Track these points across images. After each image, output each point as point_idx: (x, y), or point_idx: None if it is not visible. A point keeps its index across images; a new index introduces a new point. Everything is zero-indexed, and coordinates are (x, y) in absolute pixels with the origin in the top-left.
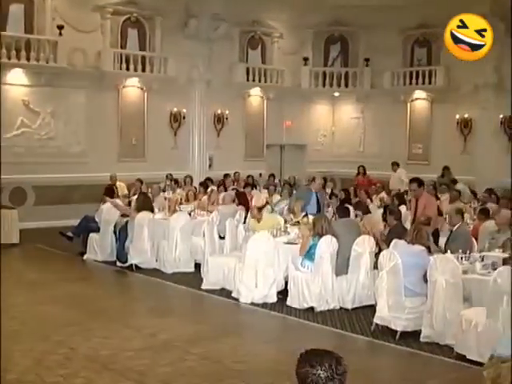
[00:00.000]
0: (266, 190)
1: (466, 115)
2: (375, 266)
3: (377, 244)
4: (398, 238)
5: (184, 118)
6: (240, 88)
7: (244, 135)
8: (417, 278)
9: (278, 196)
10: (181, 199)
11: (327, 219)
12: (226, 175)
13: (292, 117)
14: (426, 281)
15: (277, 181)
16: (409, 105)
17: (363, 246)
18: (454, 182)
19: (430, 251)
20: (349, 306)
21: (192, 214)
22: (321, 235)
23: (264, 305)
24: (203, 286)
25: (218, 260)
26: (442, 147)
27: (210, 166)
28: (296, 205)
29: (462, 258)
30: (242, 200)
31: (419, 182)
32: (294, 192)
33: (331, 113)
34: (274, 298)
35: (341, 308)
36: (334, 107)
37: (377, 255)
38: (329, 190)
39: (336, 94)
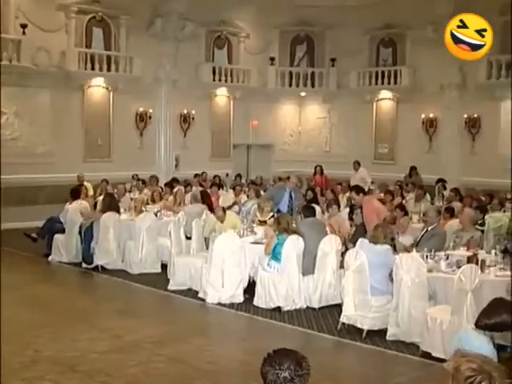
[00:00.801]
0: (233, 190)
1: (431, 115)
2: (341, 266)
3: (343, 243)
4: (364, 237)
5: (150, 117)
6: (206, 88)
7: (210, 135)
8: (382, 276)
9: (244, 196)
10: (147, 199)
11: (291, 218)
12: (197, 175)
13: (258, 117)
14: (391, 279)
15: (243, 181)
16: (375, 105)
17: (329, 245)
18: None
19: (395, 250)
20: (315, 306)
21: (158, 214)
22: (287, 232)
23: (231, 305)
24: (170, 287)
25: (185, 260)
26: (407, 147)
27: (176, 166)
28: (266, 204)
29: (427, 256)
30: (206, 200)
31: (357, 189)
32: (268, 189)
33: (298, 113)
34: (240, 298)
35: (307, 307)
36: (301, 107)
37: (343, 254)
38: None
39: (302, 93)
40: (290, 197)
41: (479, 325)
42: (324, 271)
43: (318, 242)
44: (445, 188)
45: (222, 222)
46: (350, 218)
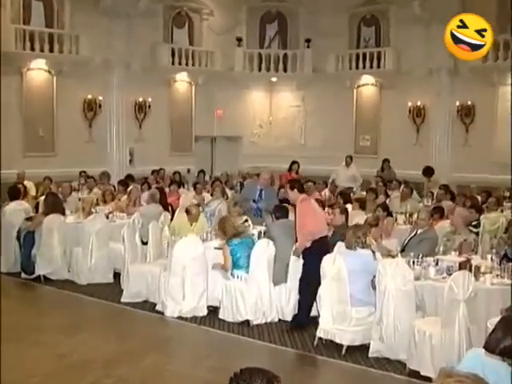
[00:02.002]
0: (195, 189)
1: (418, 103)
2: None
3: None
4: (343, 241)
5: (100, 106)
6: (164, 72)
7: (169, 126)
8: (364, 285)
9: (208, 195)
10: (97, 200)
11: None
12: (154, 172)
13: (224, 105)
14: (374, 288)
15: (207, 178)
16: (355, 91)
17: None
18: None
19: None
20: (289, 318)
21: (110, 216)
22: (237, 236)
23: (193, 319)
24: (123, 299)
25: (141, 268)
26: (392, 138)
27: (130, 161)
28: (233, 210)
29: (414, 262)
30: (161, 199)
31: (291, 184)
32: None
33: (268, 101)
34: (204, 311)
35: (280, 320)
36: (272, 94)
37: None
38: None
39: (273, 79)
40: (260, 196)
41: (498, 351)
42: (298, 280)
43: (290, 247)
44: (429, 181)
45: (192, 223)
46: None
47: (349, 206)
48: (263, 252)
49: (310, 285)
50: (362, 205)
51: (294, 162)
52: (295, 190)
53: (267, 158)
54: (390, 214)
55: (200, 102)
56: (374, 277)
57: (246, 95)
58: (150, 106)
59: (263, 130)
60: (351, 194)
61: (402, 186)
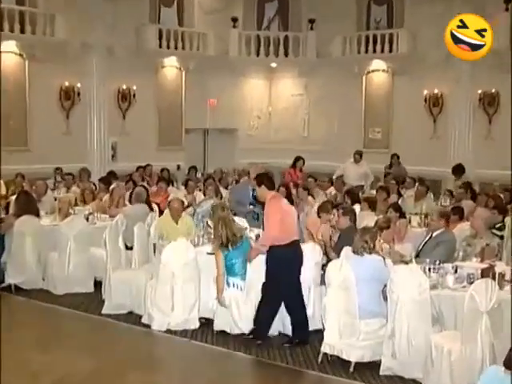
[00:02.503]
0: (186, 188)
1: (435, 91)
2: (322, 281)
3: (324, 253)
4: (351, 245)
5: (78, 94)
6: (151, 56)
7: (157, 117)
8: (374, 294)
9: (200, 194)
10: (75, 199)
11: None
12: (140, 168)
13: (218, 94)
14: (385, 298)
15: (199, 175)
16: (364, 78)
17: (306, 255)
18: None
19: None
20: (291, 332)
21: (90, 217)
22: (232, 243)
23: (183, 332)
24: (105, 311)
25: (124, 276)
26: (405, 131)
27: (113, 156)
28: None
29: (430, 269)
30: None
31: (259, 179)
32: (231, 189)
33: (267, 89)
34: (196, 324)
35: (280, 334)
36: (271, 82)
37: (324, 267)
38: None
39: (273, 64)
40: (254, 197)
41: None
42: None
43: None
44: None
45: (176, 221)
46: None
47: (357, 207)
48: (262, 257)
49: (271, 296)
50: (371, 205)
51: (298, 158)
52: (263, 186)
53: (266, 152)
54: (403, 216)
55: (191, 90)
56: (386, 286)
57: (243, 83)
58: (134, 95)
59: (261, 122)
60: (360, 193)
61: (417, 184)
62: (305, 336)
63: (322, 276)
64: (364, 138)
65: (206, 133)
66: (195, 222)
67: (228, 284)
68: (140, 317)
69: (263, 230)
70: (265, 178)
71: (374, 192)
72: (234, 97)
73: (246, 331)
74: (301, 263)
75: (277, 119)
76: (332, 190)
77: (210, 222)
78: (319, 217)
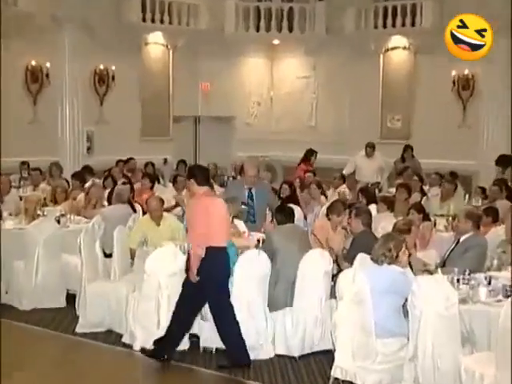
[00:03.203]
0: (174, 185)
1: (466, 71)
2: (332, 294)
3: (335, 261)
4: (367, 252)
5: (48, 76)
6: (133, 32)
7: (140, 103)
8: (393, 309)
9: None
10: (44, 199)
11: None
12: (120, 163)
13: (211, 76)
14: (406, 314)
15: None
16: (382, 57)
17: (315, 264)
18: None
19: (412, 270)
20: (295, 353)
21: (62, 220)
22: None
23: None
24: (79, 329)
25: (102, 288)
26: (430, 119)
27: (88, 149)
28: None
29: (458, 280)
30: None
31: (190, 172)
32: (227, 186)
33: (269, 70)
34: (185, 343)
35: (283, 356)
36: (273, 62)
37: (335, 278)
38: None
39: (275, 41)
40: (251, 197)
41: None
42: (307, 303)
43: (297, 260)
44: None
45: (157, 223)
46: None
47: (373, 208)
48: (250, 265)
49: (182, 309)
50: (389, 205)
51: (312, 152)
52: (192, 180)
53: (267, 144)
54: (427, 218)
55: (180, 71)
56: (406, 299)
57: (240, 63)
58: (113, 77)
59: (262, 109)
60: (376, 191)
61: (444, 181)
62: (240, 359)
63: (333, 288)
64: (381, 127)
65: (197, 121)
66: (185, 225)
67: None
68: (120, 336)
69: (264, 232)
70: (196, 171)
71: (392, 190)
72: (230, 79)
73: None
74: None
75: (279, 106)
76: (345, 188)
77: None
78: (328, 219)
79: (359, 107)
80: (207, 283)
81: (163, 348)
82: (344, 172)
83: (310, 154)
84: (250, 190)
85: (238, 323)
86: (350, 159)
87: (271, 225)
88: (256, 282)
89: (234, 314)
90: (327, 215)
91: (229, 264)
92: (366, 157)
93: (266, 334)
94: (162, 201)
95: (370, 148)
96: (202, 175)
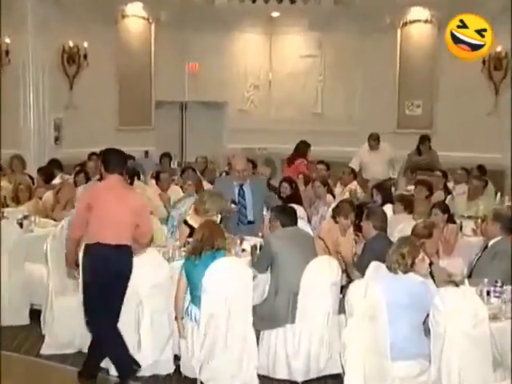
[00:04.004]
0: (157, 182)
1: (498, 48)
2: (341, 309)
3: (344, 270)
4: (381, 260)
5: (7, 53)
6: (108, 3)
7: (117, 86)
8: (412, 327)
9: (178, 190)
10: (5, 198)
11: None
12: (94, 156)
13: (200, 55)
14: (427, 333)
15: (175, 165)
16: (399, 32)
17: (321, 273)
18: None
19: (434, 282)
20: (298, 378)
21: (25, 223)
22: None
23: (154, 379)
24: (45, 350)
25: (72, 303)
26: (455, 105)
27: (56, 139)
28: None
29: (488, 292)
30: None
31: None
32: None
33: (267, 48)
34: (169, 367)
35: (284, 381)
36: (272, 38)
37: (344, 289)
38: None
39: (275, 14)
40: (242, 195)
41: None
42: (311, 319)
43: (300, 269)
44: None
45: None
46: (357, 228)
47: (389, 208)
48: (224, 270)
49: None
50: (408, 205)
51: (308, 144)
52: (102, 165)
53: (265, 134)
54: (452, 220)
55: (164, 49)
56: (428, 315)
57: (234, 40)
58: (86, 56)
59: (259, 93)
60: (392, 189)
61: (471, 177)
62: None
63: (342, 301)
64: (398, 114)
65: (183, 108)
66: (169, 228)
67: (188, 315)
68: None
69: (262, 237)
70: (106, 154)
71: (411, 188)
72: (222, 59)
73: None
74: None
75: (280, 90)
76: (356, 186)
77: (189, 219)
78: (335, 222)
79: (373, 91)
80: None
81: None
82: (351, 164)
83: (305, 146)
84: (241, 186)
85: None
86: (357, 153)
87: (270, 226)
88: (226, 293)
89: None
90: (334, 217)
91: (112, 265)
92: (371, 150)
93: (258, 354)
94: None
95: (374, 140)
96: (111, 160)
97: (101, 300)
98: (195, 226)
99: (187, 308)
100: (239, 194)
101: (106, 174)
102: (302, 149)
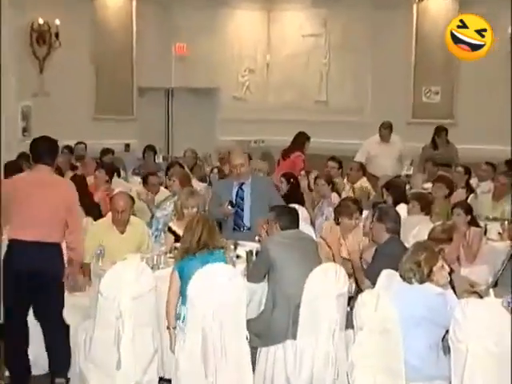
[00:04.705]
0: (142, 180)
1: None
2: (349, 323)
3: (352, 277)
4: (394, 267)
5: None
6: None
7: (93, 70)
8: (430, 344)
9: (162, 190)
10: None
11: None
12: (67, 149)
13: (189, 35)
14: (447, 350)
15: (160, 160)
16: (415, 8)
17: (325, 283)
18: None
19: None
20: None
21: None
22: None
23: None
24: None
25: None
26: (479, 91)
27: (24, 130)
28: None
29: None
30: (81, 193)
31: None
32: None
33: (265, 27)
34: None
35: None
36: (271, 16)
37: (352, 302)
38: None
39: None
40: (241, 196)
41: None
42: (315, 334)
43: (302, 278)
44: None
45: (122, 229)
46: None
47: (402, 208)
48: (212, 284)
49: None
50: (425, 205)
51: (307, 137)
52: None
53: (262, 125)
54: (475, 222)
55: (147, 28)
56: (447, 332)
57: (227, 18)
58: (57, 35)
59: (256, 78)
60: (406, 187)
61: (498, 174)
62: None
63: (350, 315)
64: (414, 101)
65: (169, 95)
66: (153, 232)
67: (178, 318)
68: (67, 380)
69: (259, 241)
70: (39, 143)
71: (427, 185)
72: (214, 39)
73: None
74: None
75: (279, 74)
76: (366, 183)
77: (173, 224)
78: (337, 224)
79: (385, 75)
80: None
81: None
82: (356, 158)
83: (303, 138)
84: (240, 186)
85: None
86: (363, 144)
87: (268, 228)
88: (224, 306)
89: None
90: (335, 219)
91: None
92: (381, 142)
93: (256, 373)
94: (132, 199)
95: (386, 129)
96: (39, 148)
97: (17, 301)
98: (180, 232)
99: (178, 313)
100: (237, 195)
101: (34, 165)
102: (300, 141)
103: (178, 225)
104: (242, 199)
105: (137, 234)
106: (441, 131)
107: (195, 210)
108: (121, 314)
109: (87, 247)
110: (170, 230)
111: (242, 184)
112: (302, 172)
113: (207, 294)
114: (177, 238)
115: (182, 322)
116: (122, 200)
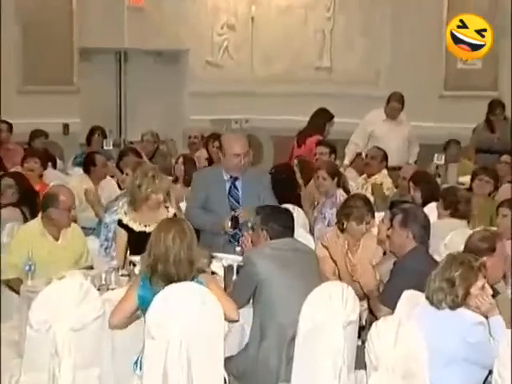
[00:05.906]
0: (87, 173)
1: None
2: (360, 361)
3: (364, 301)
4: (420, 288)
5: None
6: None
7: (19, 29)
8: None
9: (112, 184)
10: None
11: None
12: None
13: None
14: None
15: (110, 146)
16: None
17: (328, 308)
18: None
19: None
20: None
21: None
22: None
23: None
24: None
25: None
26: None
27: None
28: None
29: None
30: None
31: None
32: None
33: None
34: None
35: None
36: None
37: (364, 332)
38: None
39: None
40: (234, 196)
41: None
42: (314, 376)
43: (297, 302)
44: None
45: (56, 235)
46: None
47: (431, 209)
48: (178, 311)
49: None
50: (449, 204)
51: (323, 113)
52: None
53: (246, 99)
54: None
55: None
56: (491, 372)
57: None
58: None
59: (237, 37)
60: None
61: None
62: None
63: (361, 350)
64: (446, 69)
65: (122, 59)
66: (102, 242)
67: (136, 365)
68: None
69: (242, 253)
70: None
71: (463, 179)
72: None
73: None
74: None
75: (267, 32)
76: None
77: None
78: (341, 230)
79: (407, 35)
80: None
81: None
82: (349, 145)
83: (323, 116)
84: (234, 182)
85: None
86: (363, 121)
87: (254, 237)
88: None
89: None
90: (339, 223)
91: None
92: (386, 119)
93: None
94: (72, 196)
95: (396, 102)
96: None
97: None
98: (135, 227)
99: (135, 362)
100: (230, 193)
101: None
102: (319, 120)
103: (134, 218)
104: (238, 201)
105: (74, 240)
106: (496, 107)
107: (161, 196)
108: (56, 351)
109: (12, 260)
110: (121, 224)
111: (236, 179)
112: (295, 161)
113: (171, 322)
114: (132, 235)
115: (140, 369)
116: (65, 195)
